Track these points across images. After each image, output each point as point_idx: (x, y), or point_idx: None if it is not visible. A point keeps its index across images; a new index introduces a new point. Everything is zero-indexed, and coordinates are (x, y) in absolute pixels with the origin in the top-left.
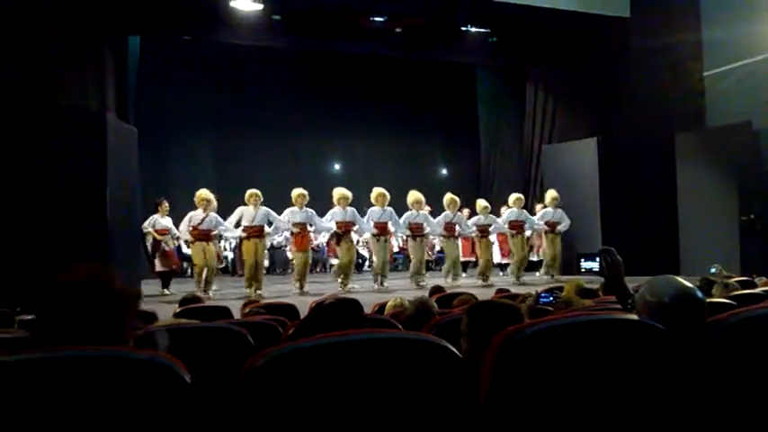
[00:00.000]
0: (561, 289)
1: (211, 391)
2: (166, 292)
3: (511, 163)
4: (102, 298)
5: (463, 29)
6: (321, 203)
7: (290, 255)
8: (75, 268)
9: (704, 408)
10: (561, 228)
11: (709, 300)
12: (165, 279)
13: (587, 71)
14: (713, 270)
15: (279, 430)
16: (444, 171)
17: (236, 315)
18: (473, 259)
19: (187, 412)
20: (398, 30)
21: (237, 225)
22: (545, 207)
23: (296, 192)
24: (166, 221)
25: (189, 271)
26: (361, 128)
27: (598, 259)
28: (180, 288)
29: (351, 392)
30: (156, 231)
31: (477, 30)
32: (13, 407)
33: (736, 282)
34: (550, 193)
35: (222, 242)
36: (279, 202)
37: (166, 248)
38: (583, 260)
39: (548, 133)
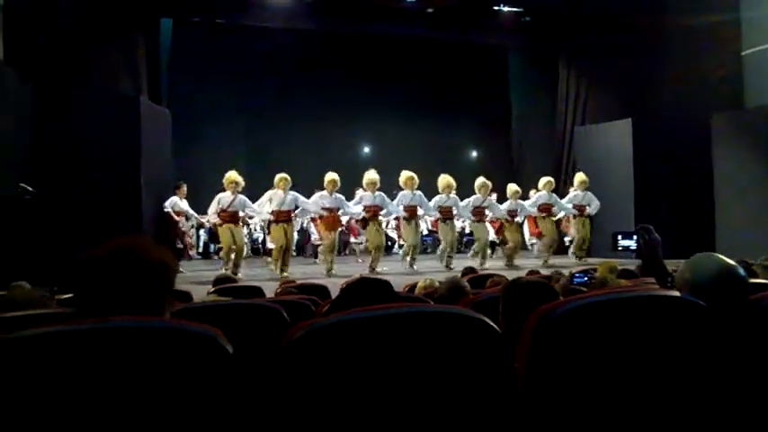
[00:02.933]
0: (595, 270)
1: (251, 363)
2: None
3: (542, 145)
4: (139, 269)
5: (495, 8)
6: (350, 186)
7: (314, 236)
8: (111, 242)
9: (745, 384)
10: (590, 210)
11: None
12: (178, 255)
13: (622, 51)
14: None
15: (319, 399)
16: (475, 154)
17: (269, 295)
18: (497, 239)
19: (231, 382)
20: (430, 10)
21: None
22: (575, 190)
23: (328, 177)
24: (184, 204)
25: (218, 252)
26: (392, 110)
27: (635, 237)
28: (199, 268)
29: (389, 365)
30: (174, 212)
31: (510, 9)
32: (61, 377)
33: None
34: (579, 177)
35: (251, 224)
36: (308, 184)
37: (183, 228)
38: (620, 238)
39: (581, 115)
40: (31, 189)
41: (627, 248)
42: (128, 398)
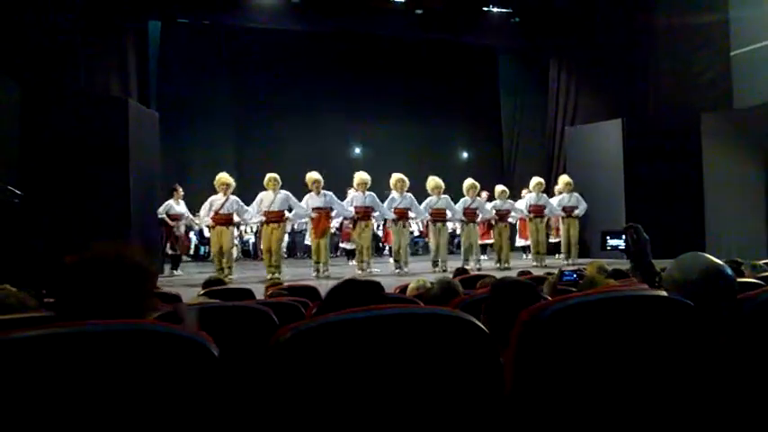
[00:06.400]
0: (584, 269)
1: (238, 366)
2: (176, 273)
3: (533, 145)
4: (120, 274)
5: (485, 9)
6: (341, 186)
7: (308, 241)
8: (93, 246)
9: (733, 383)
10: (578, 212)
11: (738, 279)
12: (175, 261)
13: (612, 51)
14: None
15: (305, 402)
16: (465, 154)
17: (259, 297)
18: (490, 241)
19: (215, 385)
20: (419, 11)
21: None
22: (560, 192)
23: (310, 177)
24: (180, 207)
25: (209, 255)
26: (382, 110)
27: (624, 236)
28: (189, 270)
29: (376, 367)
30: (169, 217)
31: (499, 10)
32: (41, 382)
33: (765, 263)
34: (563, 179)
35: (242, 226)
36: (299, 185)
37: (177, 233)
38: (608, 237)
39: (571, 115)
40: (18, 192)
41: (615, 248)
42: (106, 402)
